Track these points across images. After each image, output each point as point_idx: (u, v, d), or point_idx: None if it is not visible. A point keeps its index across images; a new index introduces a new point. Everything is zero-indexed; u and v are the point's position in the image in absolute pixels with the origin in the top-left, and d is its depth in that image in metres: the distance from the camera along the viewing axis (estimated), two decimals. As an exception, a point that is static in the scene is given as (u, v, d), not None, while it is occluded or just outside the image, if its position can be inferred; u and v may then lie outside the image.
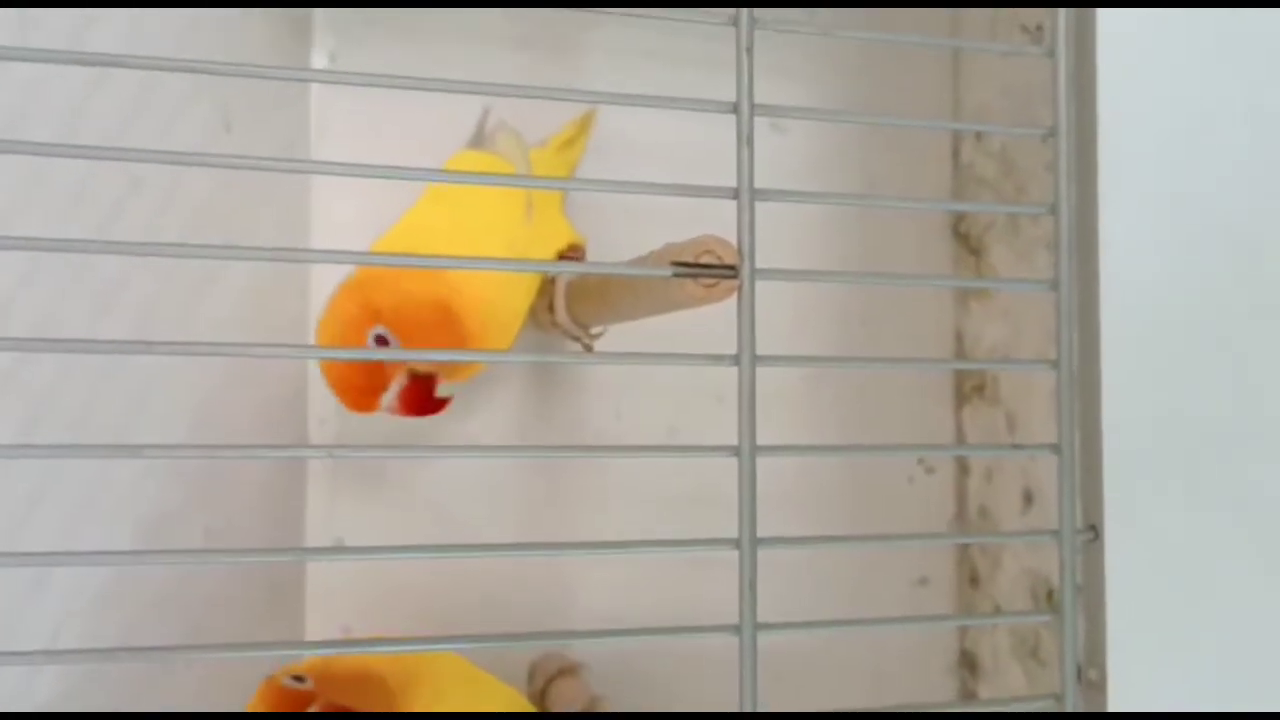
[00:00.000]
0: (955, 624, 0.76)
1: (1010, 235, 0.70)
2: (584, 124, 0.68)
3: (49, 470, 0.45)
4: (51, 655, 0.44)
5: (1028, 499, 0.69)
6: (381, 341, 0.51)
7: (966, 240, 0.75)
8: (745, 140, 0.40)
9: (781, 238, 0.43)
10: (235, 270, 0.59)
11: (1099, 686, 0.44)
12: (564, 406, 0.71)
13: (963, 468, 0.75)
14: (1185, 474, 0.45)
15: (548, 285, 0.62)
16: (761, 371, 0.39)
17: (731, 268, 0.40)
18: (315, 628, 0.65)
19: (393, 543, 0.67)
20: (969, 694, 0.74)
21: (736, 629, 0.40)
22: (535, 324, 0.67)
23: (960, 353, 0.75)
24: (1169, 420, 0.45)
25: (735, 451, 0.40)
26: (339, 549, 0.67)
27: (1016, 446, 0.65)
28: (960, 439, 0.75)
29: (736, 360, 0.40)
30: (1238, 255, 0.47)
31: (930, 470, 0.75)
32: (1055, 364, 0.43)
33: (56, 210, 0.45)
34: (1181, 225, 0.46)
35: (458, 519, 0.68)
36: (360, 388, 0.52)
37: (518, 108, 0.67)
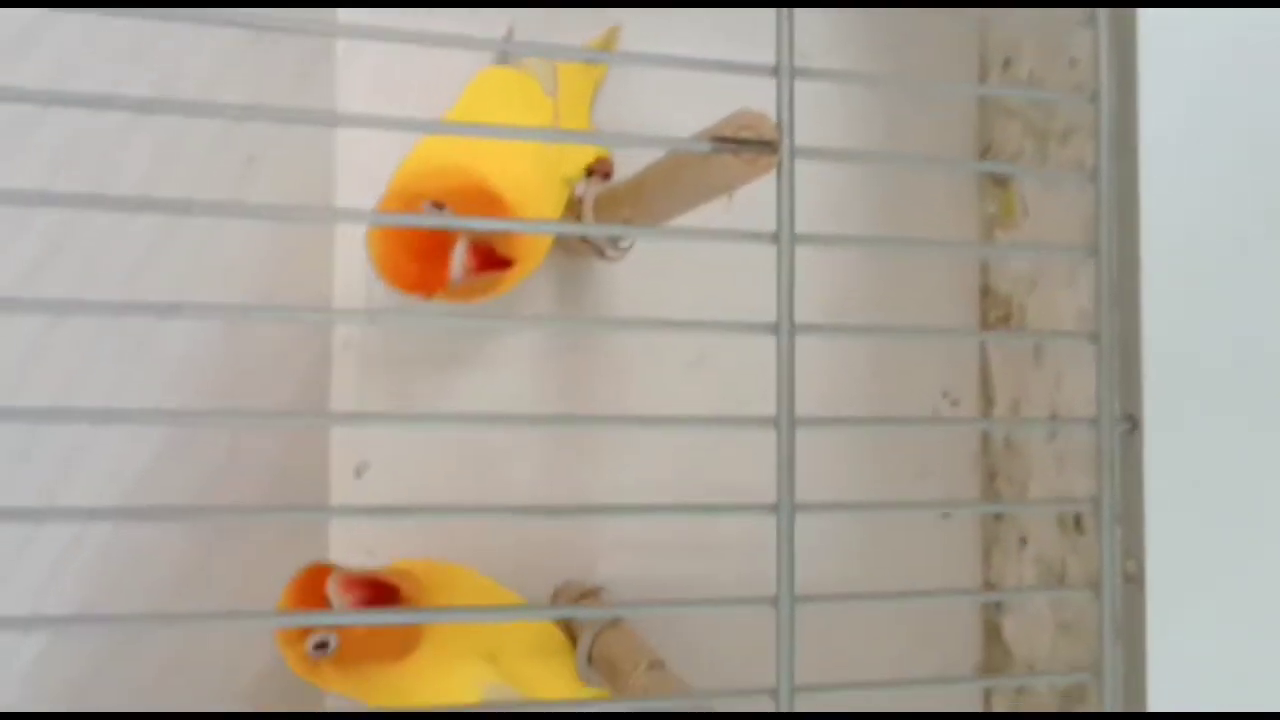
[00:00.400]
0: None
1: (1038, 164, 0.70)
2: (608, 39, 0.68)
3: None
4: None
5: (1052, 433, 0.68)
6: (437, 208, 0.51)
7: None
8: (785, 17, 0.40)
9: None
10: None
11: (1138, 581, 0.44)
12: (591, 330, 0.71)
13: (987, 399, 0.75)
14: (1226, 371, 0.45)
15: (574, 204, 0.61)
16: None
17: (771, 143, 0.39)
18: (339, 548, 0.65)
19: (417, 469, 0.67)
20: (992, 625, 0.73)
21: (774, 508, 0.39)
22: (564, 248, 0.67)
23: (986, 282, 0.75)
24: (1210, 316, 0.45)
25: (774, 329, 0.39)
26: (367, 508, 0.66)
27: (1055, 333, 0.64)
28: (985, 369, 0.75)
29: (776, 238, 0.39)
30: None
31: (955, 403, 0.75)
32: (1095, 250, 0.43)
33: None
34: (1224, 123, 0.46)
35: (482, 442, 0.68)
36: (423, 264, 0.51)
37: (545, 24, 0.66)
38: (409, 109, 0.65)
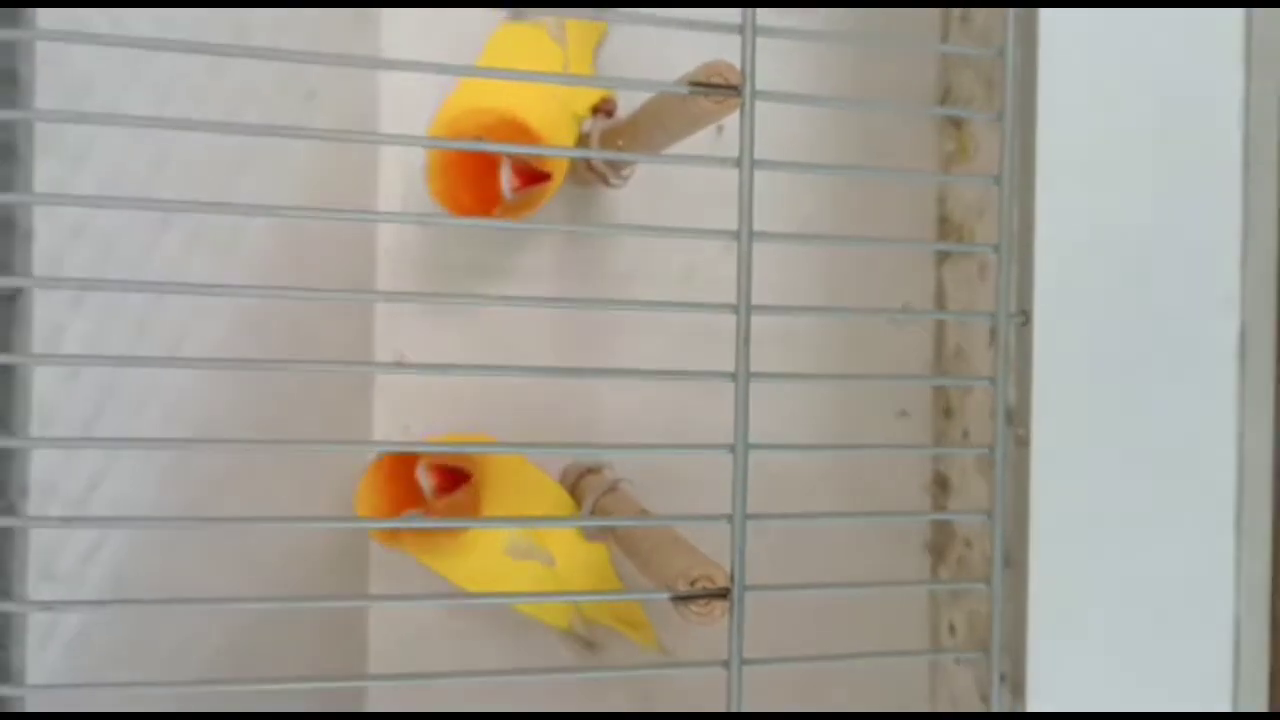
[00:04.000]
0: (926, 453, 0.86)
1: (987, 106, 0.79)
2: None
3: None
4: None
5: (992, 335, 0.79)
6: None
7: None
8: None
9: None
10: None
11: (1025, 442, 0.55)
12: (597, 246, 0.81)
13: (942, 310, 0.85)
14: (1106, 276, 0.55)
15: (583, 138, 0.72)
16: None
17: (735, 87, 0.50)
18: (381, 425, 0.76)
19: (449, 358, 0.78)
20: (940, 507, 0.84)
21: (731, 447, 0.49)
22: (574, 178, 0.78)
23: (943, 212, 0.85)
24: (1096, 229, 0.55)
25: (735, 236, 0.49)
26: (404, 364, 0.77)
27: (963, 247, 0.75)
28: (940, 286, 0.85)
29: (738, 163, 0.49)
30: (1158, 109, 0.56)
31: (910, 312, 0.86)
32: (999, 179, 0.53)
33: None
34: (1113, 72, 0.55)
35: (504, 338, 0.78)
36: (476, 190, 0.63)
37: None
38: (443, 55, 0.75)
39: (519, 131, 0.63)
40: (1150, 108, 0.55)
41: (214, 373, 0.61)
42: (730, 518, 0.49)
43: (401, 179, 0.74)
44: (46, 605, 0.51)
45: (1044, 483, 0.54)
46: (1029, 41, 0.54)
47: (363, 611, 0.76)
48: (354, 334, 0.76)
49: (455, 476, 0.64)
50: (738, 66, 0.49)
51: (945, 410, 0.84)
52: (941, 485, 0.85)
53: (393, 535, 0.64)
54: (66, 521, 0.54)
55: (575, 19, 0.74)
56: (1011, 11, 0.53)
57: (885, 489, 0.84)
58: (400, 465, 0.64)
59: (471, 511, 0.64)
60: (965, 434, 0.81)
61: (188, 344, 0.58)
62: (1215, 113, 0.55)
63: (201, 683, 0.47)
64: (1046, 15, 0.54)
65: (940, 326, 0.85)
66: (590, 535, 0.70)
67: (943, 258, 0.85)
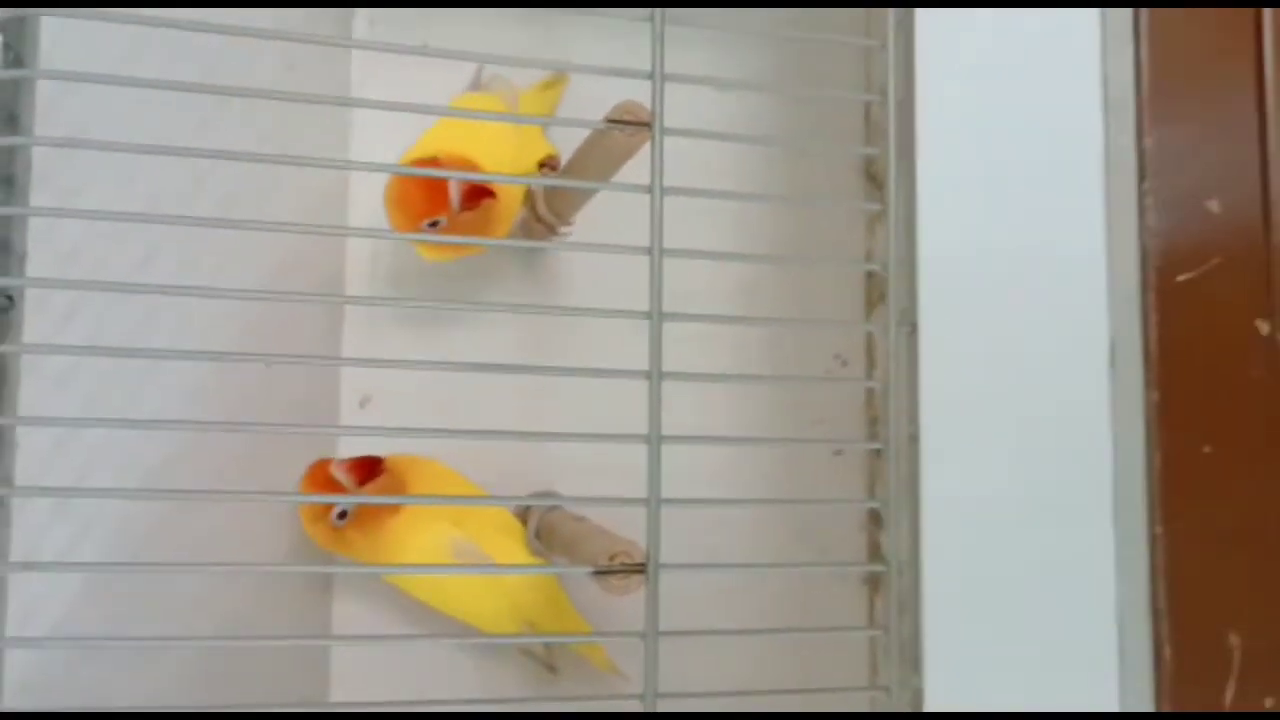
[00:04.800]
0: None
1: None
2: (558, 80, 0.86)
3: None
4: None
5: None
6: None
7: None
8: (659, 26, 0.57)
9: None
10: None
11: (916, 440, 0.60)
12: (548, 288, 0.88)
13: (871, 360, 0.92)
14: (988, 292, 0.61)
15: (530, 195, 0.79)
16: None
17: (646, 123, 0.57)
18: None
19: (410, 400, 0.84)
20: (874, 542, 0.89)
21: (646, 438, 0.56)
22: (523, 229, 0.85)
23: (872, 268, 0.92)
24: (976, 247, 0.62)
25: (648, 250, 0.56)
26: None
27: (856, 265, 0.81)
28: (870, 336, 0.91)
29: (650, 189, 0.56)
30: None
31: (845, 363, 0.92)
32: (880, 202, 0.60)
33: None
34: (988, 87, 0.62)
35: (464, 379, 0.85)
36: (428, 196, 0.70)
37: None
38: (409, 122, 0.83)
39: (472, 169, 0.71)
40: (1018, 134, 0.62)
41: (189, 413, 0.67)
42: (647, 501, 0.55)
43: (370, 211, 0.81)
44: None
45: (934, 483, 0.60)
46: (908, 83, 0.61)
47: (326, 616, 0.80)
48: (321, 385, 0.82)
49: (369, 467, 0.70)
50: (645, 105, 0.57)
51: (877, 450, 0.90)
52: (876, 522, 0.90)
53: (333, 537, 0.69)
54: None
55: (526, 91, 0.82)
56: (892, 56, 0.60)
57: (822, 528, 0.90)
58: (322, 471, 0.70)
59: (388, 507, 0.70)
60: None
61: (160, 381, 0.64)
62: (1076, 146, 0.62)
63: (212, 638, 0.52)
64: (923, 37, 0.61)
65: (871, 373, 0.91)
66: (535, 551, 0.75)
67: (873, 306, 0.92)
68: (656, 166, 0.56)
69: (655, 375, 0.56)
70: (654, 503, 0.55)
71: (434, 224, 0.71)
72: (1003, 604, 0.60)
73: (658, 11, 0.56)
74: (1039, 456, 0.61)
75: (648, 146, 0.55)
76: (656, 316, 0.56)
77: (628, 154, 0.59)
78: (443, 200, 0.70)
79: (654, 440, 0.56)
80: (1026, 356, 0.61)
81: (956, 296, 0.60)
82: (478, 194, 0.71)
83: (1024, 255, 0.61)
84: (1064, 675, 0.60)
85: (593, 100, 0.69)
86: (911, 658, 0.60)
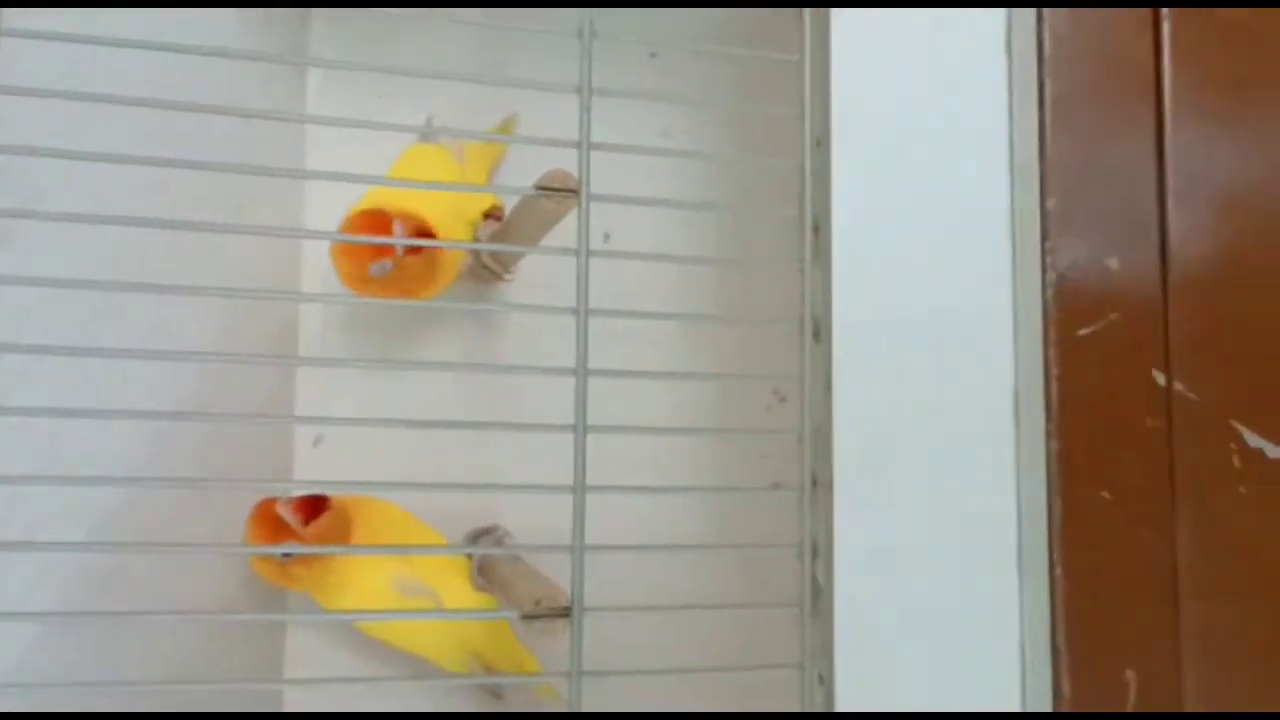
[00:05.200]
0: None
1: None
2: (506, 125, 0.89)
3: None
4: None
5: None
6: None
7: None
8: (586, 97, 0.60)
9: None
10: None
11: (827, 486, 0.64)
12: (493, 329, 0.91)
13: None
14: (898, 352, 0.65)
15: (476, 239, 0.82)
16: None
17: (574, 190, 0.60)
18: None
19: (361, 440, 0.87)
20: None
21: (572, 427, 0.59)
22: (475, 277, 0.88)
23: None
24: (888, 300, 0.65)
25: (574, 312, 0.59)
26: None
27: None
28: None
29: (576, 253, 0.60)
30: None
31: (783, 399, 0.95)
32: (800, 262, 0.64)
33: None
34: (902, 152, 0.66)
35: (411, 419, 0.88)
36: (373, 251, 0.73)
37: (459, 111, 0.88)
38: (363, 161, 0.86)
39: (416, 221, 0.74)
40: (928, 197, 0.65)
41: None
42: (571, 548, 0.58)
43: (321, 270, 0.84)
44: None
45: (846, 523, 0.63)
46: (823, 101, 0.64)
47: (280, 646, 0.83)
48: (275, 427, 0.85)
49: (314, 505, 0.73)
50: (573, 173, 0.60)
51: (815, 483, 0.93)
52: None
53: (280, 573, 0.73)
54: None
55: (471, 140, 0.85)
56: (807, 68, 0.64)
57: (766, 556, 0.93)
58: (268, 510, 0.72)
59: (342, 539, 0.73)
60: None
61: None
62: (984, 208, 0.66)
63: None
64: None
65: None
66: (480, 587, 0.78)
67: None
68: (583, 231, 0.60)
69: (580, 428, 0.59)
70: (578, 549, 0.58)
71: (381, 267, 0.74)
72: (912, 641, 0.63)
73: (586, 35, 0.59)
74: (947, 501, 0.64)
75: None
76: (582, 373, 0.59)
77: (557, 218, 0.62)
78: (388, 248, 0.73)
79: (579, 489, 0.59)
80: (936, 407, 0.64)
81: (871, 350, 0.64)
82: (420, 233, 0.75)
83: (934, 310, 0.65)
84: (970, 705, 0.63)
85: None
86: (828, 689, 0.63)
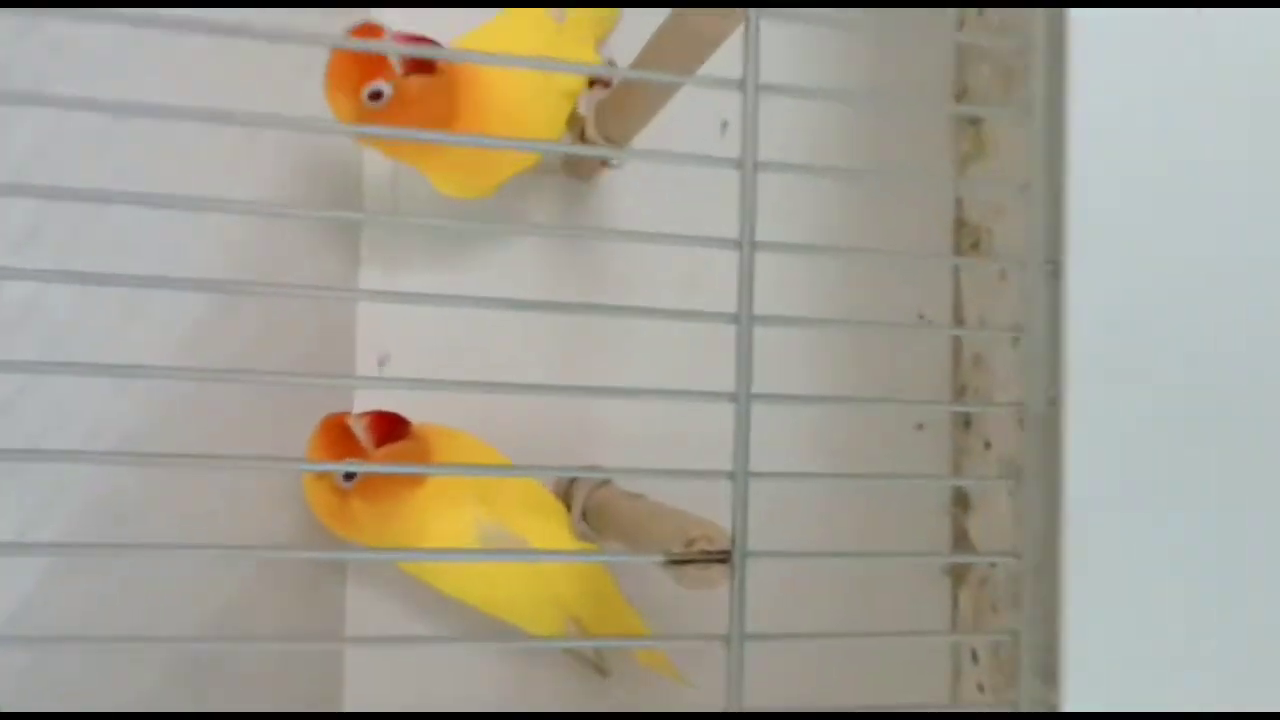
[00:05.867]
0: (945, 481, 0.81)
1: (1005, 102, 0.76)
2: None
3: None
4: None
5: (1016, 340, 0.74)
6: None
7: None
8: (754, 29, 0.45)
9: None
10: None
11: (1057, 404, 0.49)
12: (593, 244, 0.77)
13: (959, 319, 0.80)
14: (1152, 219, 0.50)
15: (575, 119, 0.68)
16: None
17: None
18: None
19: (431, 361, 0.74)
20: (960, 527, 0.79)
21: (734, 396, 0.44)
22: (569, 168, 0.74)
23: (960, 215, 0.81)
24: (1128, 176, 0.50)
25: (737, 244, 0.44)
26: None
27: (989, 263, 0.70)
28: (957, 290, 0.80)
29: (740, 165, 0.44)
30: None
31: (929, 322, 0.81)
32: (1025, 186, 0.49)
33: None
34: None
35: (489, 339, 0.74)
36: (361, 70, 0.57)
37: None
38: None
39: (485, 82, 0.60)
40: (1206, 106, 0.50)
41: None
42: (733, 474, 0.44)
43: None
44: None
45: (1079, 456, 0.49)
46: (1057, 36, 0.50)
47: (340, 599, 0.70)
48: (337, 329, 0.72)
49: (392, 426, 0.60)
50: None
51: (965, 421, 0.79)
52: (962, 505, 0.79)
53: (337, 508, 0.59)
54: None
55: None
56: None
57: (902, 509, 0.79)
58: (338, 424, 0.59)
59: (408, 476, 0.60)
60: (987, 445, 0.76)
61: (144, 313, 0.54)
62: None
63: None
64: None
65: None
66: (581, 535, 0.64)
67: (962, 255, 0.81)
68: (749, 137, 0.45)
69: (743, 398, 0.44)
70: (741, 475, 0.44)
71: (376, 95, 0.58)
72: (1161, 602, 0.49)
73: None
74: (1208, 423, 0.50)
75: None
76: (746, 323, 0.45)
77: (709, 41, 0.48)
78: (380, 64, 0.57)
79: (743, 399, 0.45)
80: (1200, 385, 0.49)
81: (1111, 299, 0.49)
82: (420, 66, 0.58)
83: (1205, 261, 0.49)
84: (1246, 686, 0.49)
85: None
86: (1043, 666, 0.49)
